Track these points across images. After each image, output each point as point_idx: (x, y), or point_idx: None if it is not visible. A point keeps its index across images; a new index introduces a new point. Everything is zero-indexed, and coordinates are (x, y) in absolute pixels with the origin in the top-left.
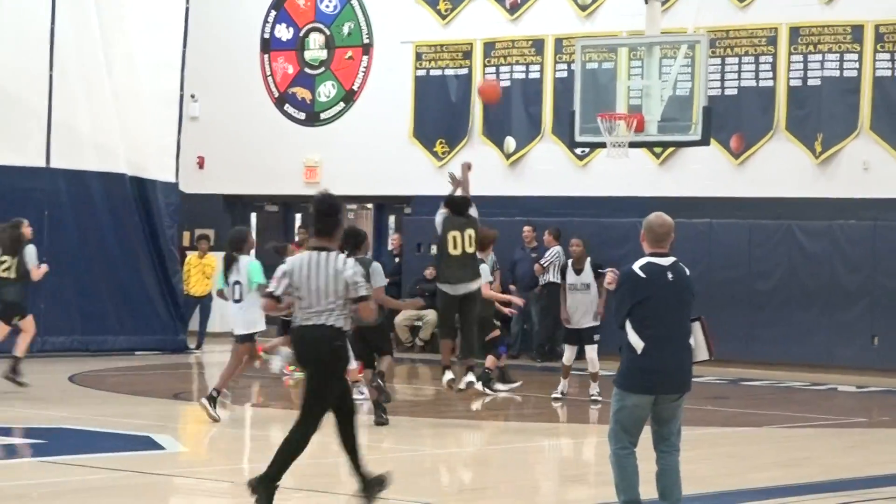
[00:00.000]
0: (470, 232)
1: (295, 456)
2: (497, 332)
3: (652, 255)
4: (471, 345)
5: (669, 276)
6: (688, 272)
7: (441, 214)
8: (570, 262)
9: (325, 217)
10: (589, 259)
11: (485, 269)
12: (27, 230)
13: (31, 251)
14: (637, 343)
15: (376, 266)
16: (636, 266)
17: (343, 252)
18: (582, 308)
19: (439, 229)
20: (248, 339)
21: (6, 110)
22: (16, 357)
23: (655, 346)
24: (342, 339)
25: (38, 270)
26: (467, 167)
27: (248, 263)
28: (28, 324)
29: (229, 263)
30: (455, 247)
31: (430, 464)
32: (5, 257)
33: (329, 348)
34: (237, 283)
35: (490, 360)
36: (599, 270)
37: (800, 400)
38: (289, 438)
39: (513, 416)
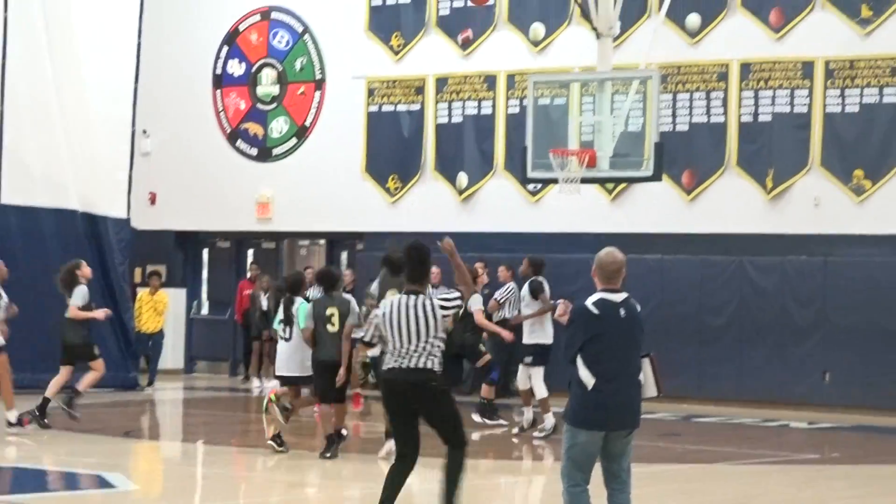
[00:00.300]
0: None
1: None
2: (488, 357)
3: (604, 290)
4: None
5: (622, 312)
6: (638, 308)
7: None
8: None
9: (419, 265)
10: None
11: (476, 298)
12: (83, 271)
13: (78, 292)
14: (588, 379)
15: (355, 304)
16: (589, 302)
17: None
18: None
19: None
20: (294, 381)
21: None
22: (76, 389)
23: (606, 382)
24: (437, 379)
25: (77, 311)
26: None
27: (300, 305)
28: (98, 364)
29: (288, 305)
30: None
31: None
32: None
33: (429, 391)
34: (289, 322)
35: (485, 390)
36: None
37: (751, 436)
38: (451, 465)
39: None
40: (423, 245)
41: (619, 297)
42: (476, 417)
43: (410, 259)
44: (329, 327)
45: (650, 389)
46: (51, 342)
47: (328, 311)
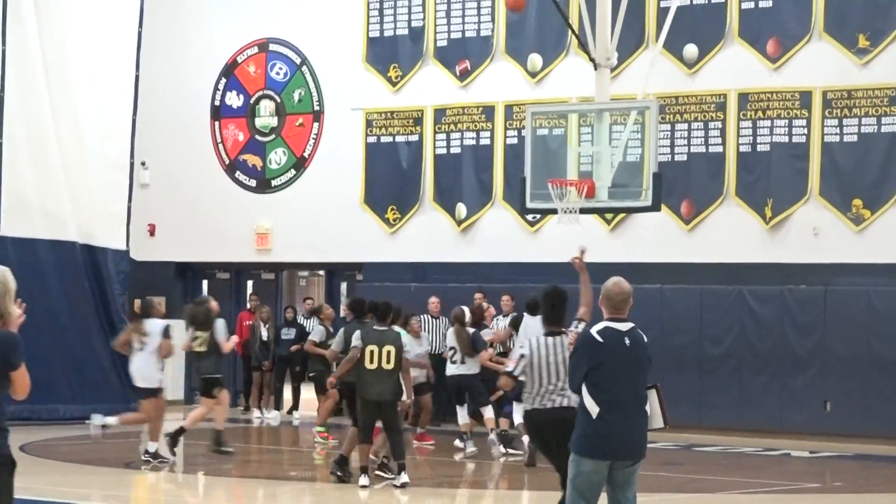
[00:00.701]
0: (389, 348)
1: None
2: (500, 393)
3: (610, 319)
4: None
5: (627, 341)
6: (645, 339)
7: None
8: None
9: (559, 307)
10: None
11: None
12: (214, 305)
13: (220, 325)
14: (592, 408)
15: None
16: (594, 330)
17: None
18: None
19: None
20: None
21: None
22: (217, 430)
23: (610, 412)
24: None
25: (227, 343)
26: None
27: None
28: (224, 397)
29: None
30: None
31: None
32: (199, 333)
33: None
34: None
35: (503, 422)
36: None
37: (752, 465)
38: None
39: (480, 483)
40: (561, 288)
41: (625, 326)
42: (501, 449)
43: (552, 301)
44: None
45: (657, 421)
46: (46, 372)
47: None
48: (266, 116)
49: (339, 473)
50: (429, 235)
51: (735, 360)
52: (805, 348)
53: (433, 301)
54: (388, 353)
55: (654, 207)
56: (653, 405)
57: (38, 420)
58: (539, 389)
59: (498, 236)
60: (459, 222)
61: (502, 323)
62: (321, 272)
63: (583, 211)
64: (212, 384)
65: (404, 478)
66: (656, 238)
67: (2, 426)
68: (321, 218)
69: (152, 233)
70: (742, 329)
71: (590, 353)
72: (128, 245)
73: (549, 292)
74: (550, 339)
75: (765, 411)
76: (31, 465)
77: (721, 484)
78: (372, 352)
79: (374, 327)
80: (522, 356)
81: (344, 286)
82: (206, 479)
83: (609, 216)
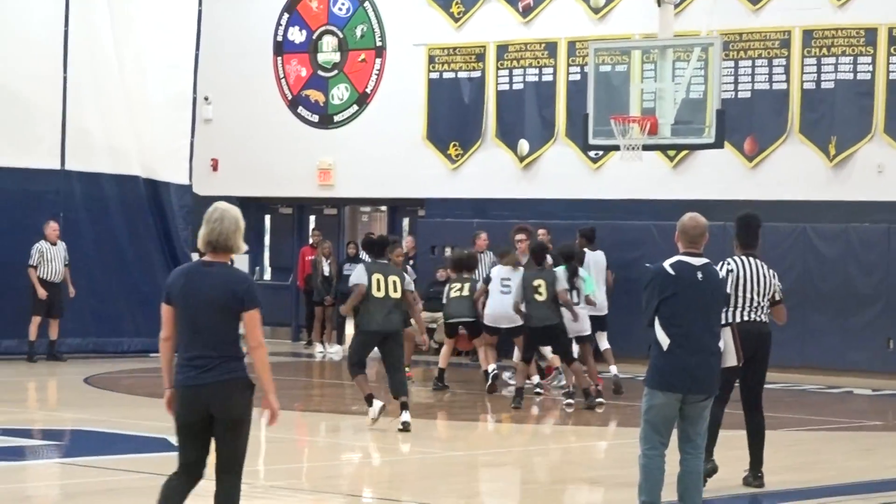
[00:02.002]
0: (393, 278)
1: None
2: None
3: (685, 254)
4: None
5: (699, 275)
6: (720, 275)
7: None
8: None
9: (756, 232)
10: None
11: (560, 272)
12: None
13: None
14: (663, 340)
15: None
16: (667, 263)
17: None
18: None
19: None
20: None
21: (21, 113)
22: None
23: (681, 345)
24: None
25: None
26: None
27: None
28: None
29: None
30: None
31: (445, 466)
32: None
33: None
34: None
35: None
36: None
37: (814, 403)
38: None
39: (527, 418)
40: (756, 214)
41: (698, 260)
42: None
43: (749, 227)
44: (537, 296)
45: (730, 358)
46: (111, 306)
47: (535, 282)
48: (328, 52)
49: (515, 406)
50: (490, 172)
51: (798, 298)
52: (868, 286)
53: (482, 237)
54: (394, 282)
55: (717, 144)
56: (727, 343)
57: (102, 353)
58: (748, 304)
59: (560, 173)
60: (521, 159)
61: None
62: (383, 208)
63: (645, 148)
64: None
65: (406, 416)
66: (719, 175)
67: (240, 355)
68: (383, 154)
69: (215, 168)
70: (805, 267)
71: (662, 286)
72: (190, 180)
73: (748, 219)
74: (755, 261)
75: (827, 349)
76: (96, 397)
77: (783, 421)
78: (378, 280)
79: (378, 261)
80: (729, 272)
81: (406, 222)
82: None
83: (671, 153)
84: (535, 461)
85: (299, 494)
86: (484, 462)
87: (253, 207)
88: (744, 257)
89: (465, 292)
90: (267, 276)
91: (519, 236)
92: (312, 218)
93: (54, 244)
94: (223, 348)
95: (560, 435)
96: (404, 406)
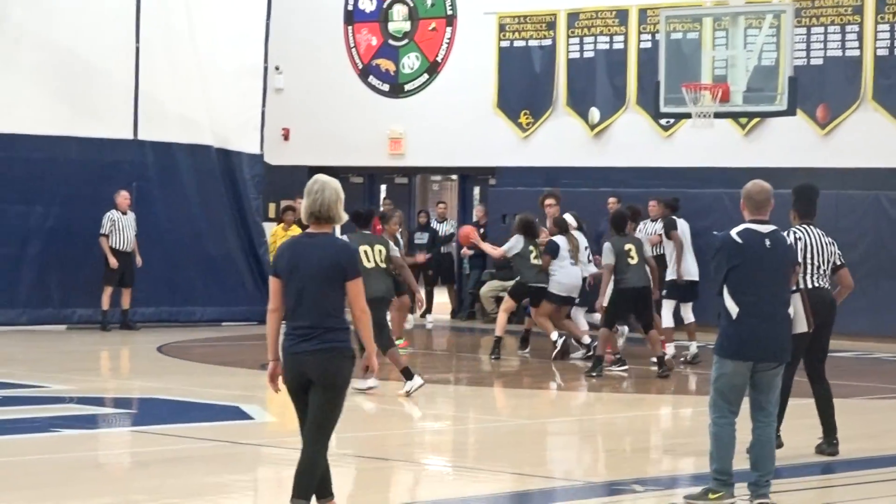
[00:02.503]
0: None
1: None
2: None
3: (751, 221)
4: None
5: (767, 243)
6: (788, 241)
7: None
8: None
9: (814, 202)
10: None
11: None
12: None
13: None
14: (732, 308)
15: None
16: (734, 231)
17: None
18: None
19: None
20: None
21: (94, 83)
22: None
23: (750, 313)
24: None
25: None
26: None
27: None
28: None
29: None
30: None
31: (516, 434)
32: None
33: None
34: None
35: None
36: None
37: (888, 371)
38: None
39: (599, 386)
40: (814, 185)
41: (765, 228)
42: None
43: (809, 196)
44: (630, 260)
45: (801, 324)
46: (183, 275)
47: (626, 247)
48: (399, 21)
49: (593, 374)
50: (561, 140)
51: (870, 266)
52: None
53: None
54: (380, 251)
55: (790, 112)
56: (797, 309)
57: (175, 322)
58: (816, 272)
59: (631, 141)
60: (592, 127)
61: (651, 227)
62: (454, 177)
63: (717, 115)
64: None
65: (371, 382)
66: (791, 143)
67: (344, 325)
68: (454, 122)
69: (286, 137)
70: (878, 234)
71: (730, 255)
72: (262, 149)
73: (807, 187)
74: (816, 228)
75: None
76: (169, 366)
77: (856, 389)
78: (365, 251)
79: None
80: (798, 240)
81: (476, 190)
82: None
83: (743, 120)
84: (605, 429)
85: (367, 462)
86: (552, 430)
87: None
88: (804, 226)
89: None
90: None
91: (548, 201)
92: (383, 187)
93: (125, 213)
94: (327, 318)
95: (633, 402)
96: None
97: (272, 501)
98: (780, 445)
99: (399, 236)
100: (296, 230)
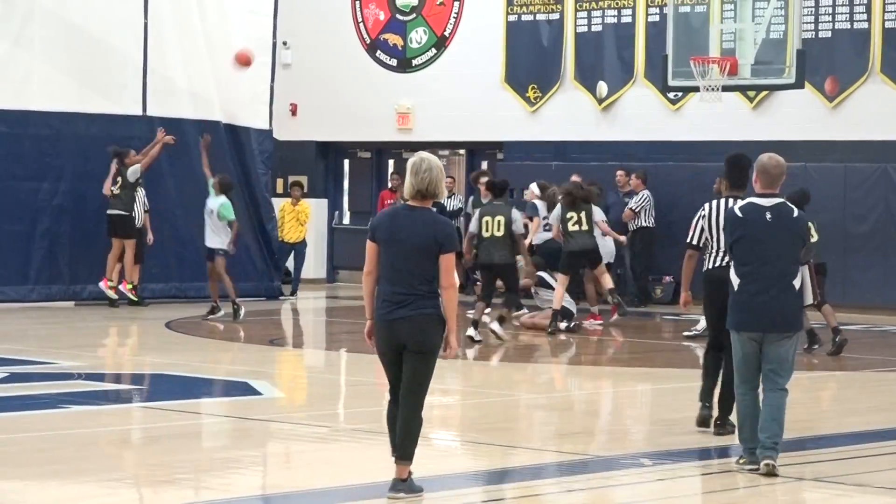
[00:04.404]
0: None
1: None
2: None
3: (760, 195)
4: None
5: (768, 216)
6: (795, 214)
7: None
8: None
9: (744, 172)
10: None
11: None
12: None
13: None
14: (734, 280)
15: None
16: (736, 206)
17: None
18: None
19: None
20: None
21: (102, 59)
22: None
23: (750, 283)
24: None
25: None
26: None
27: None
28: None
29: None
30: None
31: (525, 408)
32: (572, 213)
33: None
34: None
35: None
36: None
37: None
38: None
39: (608, 360)
40: (745, 155)
41: (770, 201)
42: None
43: (739, 165)
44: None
45: (807, 297)
46: (193, 251)
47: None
48: None
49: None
50: (570, 114)
51: (879, 239)
52: None
53: (448, 181)
54: (499, 222)
55: (798, 85)
56: (804, 281)
57: (184, 297)
58: (718, 250)
59: (639, 115)
60: (600, 101)
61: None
62: (462, 151)
63: (725, 89)
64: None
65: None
66: (800, 116)
67: (435, 293)
68: (462, 97)
69: (294, 112)
70: (887, 207)
71: (731, 228)
72: (270, 125)
73: (736, 157)
74: (731, 202)
75: None
76: (178, 341)
77: (865, 362)
78: (486, 221)
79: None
80: (699, 225)
81: (485, 165)
82: (349, 356)
83: (752, 94)
84: (611, 403)
85: (379, 437)
86: (556, 404)
87: (332, 152)
88: (731, 199)
89: (585, 225)
90: (346, 220)
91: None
92: (391, 162)
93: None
94: (421, 286)
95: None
96: None
97: (281, 476)
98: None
99: None
100: (304, 206)
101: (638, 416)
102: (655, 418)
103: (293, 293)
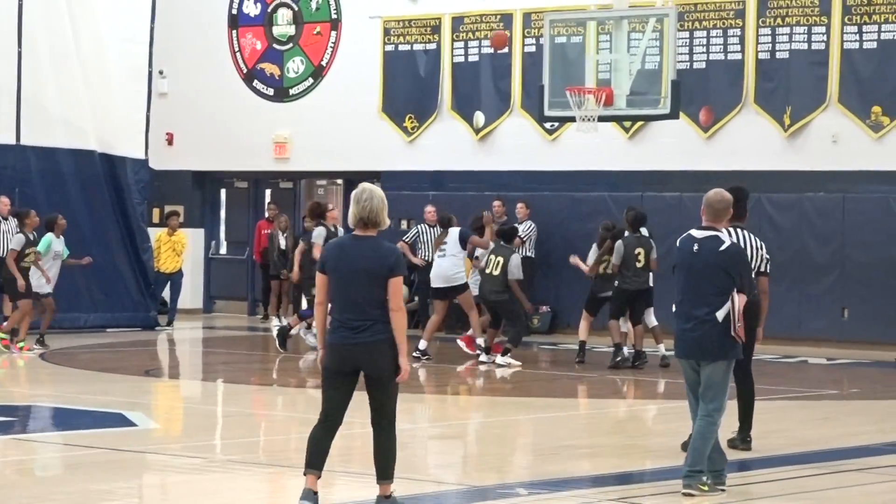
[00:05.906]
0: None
1: None
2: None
3: (699, 227)
4: None
5: (695, 247)
6: (722, 247)
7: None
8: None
9: (744, 205)
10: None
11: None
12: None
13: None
14: (673, 308)
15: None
16: (683, 236)
17: None
18: None
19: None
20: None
21: None
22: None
23: (678, 313)
24: None
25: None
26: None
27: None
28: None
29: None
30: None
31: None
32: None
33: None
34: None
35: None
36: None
37: (770, 372)
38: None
39: (485, 390)
40: (743, 187)
41: (702, 234)
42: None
43: (737, 199)
44: (637, 264)
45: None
46: (68, 281)
47: (636, 251)
48: (283, 25)
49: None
50: (447, 144)
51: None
52: (823, 256)
53: (430, 210)
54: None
55: (673, 115)
56: (729, 312)
57: (59, 328)
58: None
59: (516, 145)
60: (477, 131)
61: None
62: (339, 181)
63: (601, 119)
64: None
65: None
66: (675, 146)
67: (386, 318)
68: (339, 126)
69: (170, 142)
70: (760, 236)
71: (676, 258)
72: (146, 154)
73: (737, 190)
74: (739, 230)
75: (783, 318)
76: (52, 373)
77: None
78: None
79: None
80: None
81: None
82: (226, 386)
83: (627, 124)
84: (502, 433)
85: (254, 468)
86: (445, 435)
87: (208, 181)
88: (730, 228)
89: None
90: (223, 250)
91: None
92: (268, 192)
93: (6, 219)
94: (373, 312)
95: (535, 406)
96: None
97: None
98: (748, 448)
99: (283, 238)
100: (180, 235)
101: (517, 445)
102: (535, 447)
103: (170, 323)
